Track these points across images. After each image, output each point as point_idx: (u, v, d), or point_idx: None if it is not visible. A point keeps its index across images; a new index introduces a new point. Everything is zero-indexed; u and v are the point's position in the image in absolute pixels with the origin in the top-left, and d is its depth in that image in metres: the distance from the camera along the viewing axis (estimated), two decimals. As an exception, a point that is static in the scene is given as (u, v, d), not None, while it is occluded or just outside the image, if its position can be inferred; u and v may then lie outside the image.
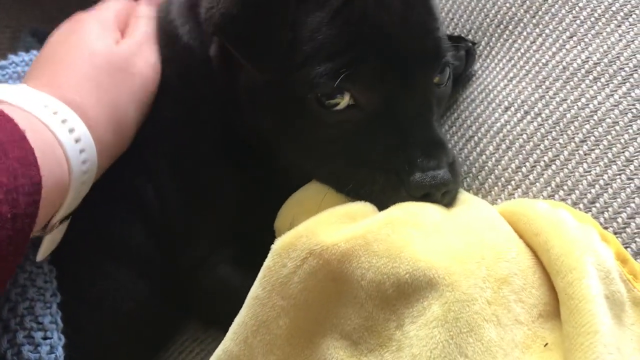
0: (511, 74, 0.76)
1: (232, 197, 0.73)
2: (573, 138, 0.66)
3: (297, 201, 0.67)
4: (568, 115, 0.68)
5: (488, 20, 0.81)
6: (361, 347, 0.54)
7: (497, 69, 0.78)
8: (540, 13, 0.77)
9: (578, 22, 0.74)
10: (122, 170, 0.69)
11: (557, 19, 0.75)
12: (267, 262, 0.57)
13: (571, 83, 0.70)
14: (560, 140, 0.67)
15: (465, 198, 0.65)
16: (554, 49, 0.74)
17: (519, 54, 0.77)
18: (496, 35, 0.80)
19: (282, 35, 0.62)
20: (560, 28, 0.75)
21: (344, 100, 0.62)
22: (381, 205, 0.61)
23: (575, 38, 0.73)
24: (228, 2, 0.63)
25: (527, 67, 0.75)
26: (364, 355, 0.54)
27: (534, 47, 0.76)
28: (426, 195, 0.61)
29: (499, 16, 0.81)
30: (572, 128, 0.67)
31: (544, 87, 0.72)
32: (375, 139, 0.63)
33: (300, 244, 0.56)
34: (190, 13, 0.73)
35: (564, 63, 0.72)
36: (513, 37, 0.78)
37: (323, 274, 0.55)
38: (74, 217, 0.65)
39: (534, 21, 0.77)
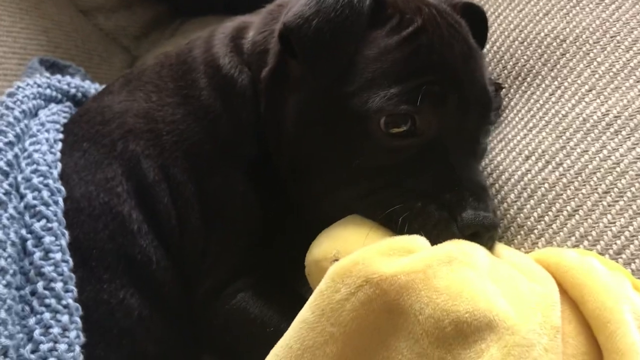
0: (530, 124, 0.77)
1: (254, 223, 0.72)
2: (596, 189, 0.67)
3: (339, 235, 0.65)
4: (590, 167, 0.69)
5: (506, 71, 0.83)
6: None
7: (517, 119, 0.79)
8: (558, 66, 0.79)
9: (597, 76, 0.76)
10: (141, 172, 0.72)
11: (575, 72, 0.77)
12: (321, 286, 0.56)
13: (592, 135, 0.71)
14: (583, 191, 0.68)
15: (500, 247, 0.65)
16: (573, 101, 0.75)
17: (538, 105, 0.78)
18: (514, 86, 0.82)
19: (348, 45, 0.65)
20: (579, 81, 0.76)
21: (405, 127, 0.64)
22: (432, 240, 0.60)
23: (594, 91, 0.75)
24: (302, 4, 0.66)
25: (546, 118, 0.76)
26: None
27: (553, 99, 0.77)
28: (474, 234, 0.61)
29: (517, 68, 0.82)
30: (595, 179, 0.68)
31: (564, 137, 0.73)
32: (428, 171, 0.64)
33: (357, 271, 0.55)
34: (231, 45, 0.77)
35: (584, 115, 0.73)
36: (532, 88, 0.80)
37: (378, 304, 0.54)
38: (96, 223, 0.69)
39: (552, 74, 0.79)
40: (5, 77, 1.05)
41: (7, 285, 0.62)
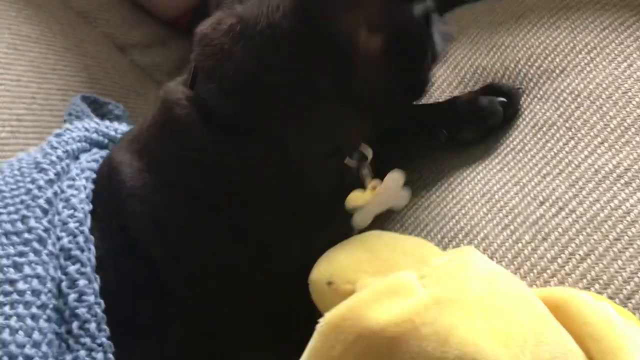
0: (544, 171, 0.82)
1: None
2: (607, 236, 0.72)
3: (334, 259, 0.71)
4: (602, 215, 0.74)
5: (524, 122, 0.89)
6: None
7: (531, 164, 0.84)
8: (572, 118, 0.84)
9: (609, 129, 0.81)
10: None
11: (588, 124, 0.83)
12: (314, 343, 0.59)
13: (603, 185, 0.76)
14: (595, 237, 0.72)
15: (498, 272, 0.68)
16: (586, 152, 0.80)
17: (552, 153, 0.83)
18: (530, 134, 0.87)
19: None
20: (592, 134, 0.82)
21: None
22: None
23: (606, 144, 0.80)
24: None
25: (560, 167, 0.81)
26: None
27: (567, 149, 0.82)
28: None
29: (535, 119, 0.88)
30: (606, 227, 0.72)
31: (577, 186, 0.78)
32: None
33: (347, 326, 0.58)
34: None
35: (595, 166, 0.78)
36: (546, 137, 0.85)
37: (374, 357, 0.57)
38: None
39: (567, 125, 0.84)
40: (50, 112, 1.11)
41: (48, 320, 0.66)
